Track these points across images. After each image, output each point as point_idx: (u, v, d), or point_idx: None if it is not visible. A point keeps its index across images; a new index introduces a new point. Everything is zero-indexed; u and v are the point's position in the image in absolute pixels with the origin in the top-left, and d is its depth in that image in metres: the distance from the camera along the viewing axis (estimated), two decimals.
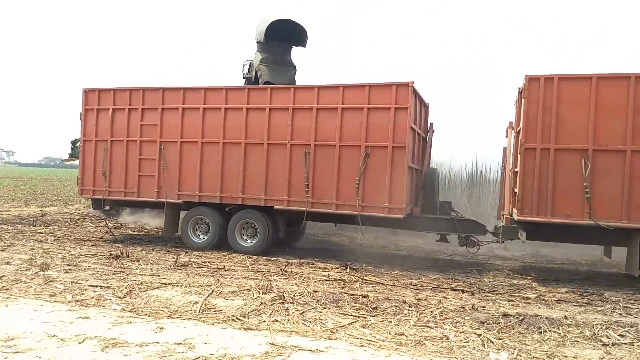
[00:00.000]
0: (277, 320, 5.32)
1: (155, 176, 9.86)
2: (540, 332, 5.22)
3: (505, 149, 9.49)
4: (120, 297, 6.04)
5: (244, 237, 9.53)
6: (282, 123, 9.10)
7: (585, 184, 7.36)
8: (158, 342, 4.49)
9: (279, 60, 11.21)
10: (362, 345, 4.67)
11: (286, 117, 9.06)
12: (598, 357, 4.57)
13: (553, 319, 5.68)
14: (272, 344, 4.57)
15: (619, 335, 5.20)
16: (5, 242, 9.63)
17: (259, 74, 10.93)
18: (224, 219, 9.58)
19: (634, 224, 7.26)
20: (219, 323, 5.20)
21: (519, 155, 7.90)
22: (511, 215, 8.09)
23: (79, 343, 4.41)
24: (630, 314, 6.11)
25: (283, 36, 11.12)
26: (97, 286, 6.51)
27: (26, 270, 7.28)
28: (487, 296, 6.83)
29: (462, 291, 7.04)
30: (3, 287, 6.33)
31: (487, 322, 5.53)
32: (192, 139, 9.66)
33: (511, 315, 5.78)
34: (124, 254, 8.64)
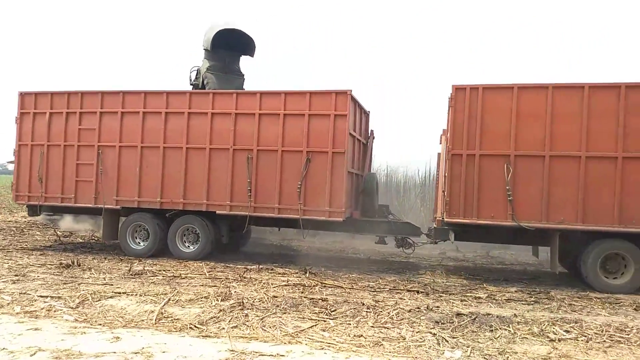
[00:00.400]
0: (237, 327, 5.30)
1: (93, 181, 9.69)
2: (492, 330, 5.44)
3: (439, 154, 9.92)
4: (72, 308, 5.84)
5: (185, 243, 9.47)
6: (224, 128, 9.13)
7: (507, 187, 7.79)
8: (114, 352, 4.38)
9: (226, 68, 11.27)
10: (322, 348, 4.72)
11: (229, 122, 9.10)
12: (546, 352, 4.81)
13: (503, 317, 5.94)
14: (232, 350, 4.55)
15: (565, 331, 5.48)
16: None
17: (205, 82, 10.98)
18: (165, 225, 9.49)
19: (552, 224, 7.75)
20: (176, 331, 5.12)
21: (446, 161, 8.29)
22: (442, 218, 8.47)
23: (31, 355, 4.24)
24: (574, 311, 6.46)
25: (231, 45, 11.18)
26: (47, 297, 6.27)
27: None
28: (441, 296, 7.05)
29: (417, 292, 7.23)
30: None
31: (442, 321, 5.71)
32: (131, 143, 9.54)
33: (464, 315, 5.99)
34: (75, 263, 8.35)
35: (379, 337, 5.13)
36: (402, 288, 7.48)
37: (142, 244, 9.63)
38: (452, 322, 5.68)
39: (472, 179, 7.98)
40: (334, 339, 5.00)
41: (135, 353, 4.39)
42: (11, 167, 22.30)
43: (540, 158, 7.79)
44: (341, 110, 8.65)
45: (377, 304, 6.39)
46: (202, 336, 4.97)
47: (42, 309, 5.77)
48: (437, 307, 6.39)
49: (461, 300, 6.86)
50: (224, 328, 5.25)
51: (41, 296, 6.29)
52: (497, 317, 5.92)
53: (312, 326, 5.41)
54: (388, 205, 10.41)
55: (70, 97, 9.87)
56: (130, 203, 9.54)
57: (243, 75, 11.66)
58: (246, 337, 4.96)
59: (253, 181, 8.93)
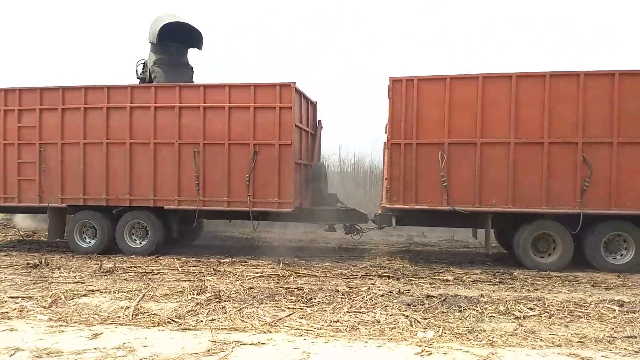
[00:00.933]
0: (215, 319, 5.37)
1: (37, 180, 9.44)
2: (461, 310, 5.71)
3: (384, 144, 10.17)
4: (45, 307, 5.77)
5: (134, 239, 9.46)
6: (169, 122, 9.05)
7: (442, 174, 8.16)
8: (96, 348, 4.39)
9: (174, 61, 11.08)
10: (301, 335, 4.87)
11: (173, 116, 9.03)
12: (512, 329, 5.11)
13: (471, 297, 6.23)
14: (213, 341, 4.63)
15: (529, 308, 5.81)
16: None
17: (153, 76, 10.77)
18: (112, 222, 9.41)
19: (484, 207, 8.18)
20: (154, 326, 5.15)
21: (386, 150, 8.57)
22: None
23: (10, 356, 4.20)
24: (537, 290, 6.83)
25: (178, 38, 11.01)
26: (18, 297, 6.16)
27: None
28: (411, 280, 7.31)
29: (389, 277, 7.47)
30: None
31: (413, 304, 5.95)
32: (73, 140, 9.33)
33: (434, 297, 6.26)
34: (43, 262, 8.19)
35: (355, 321, 5.31)
36: (373, 274, 7.69)
37: (89, 241, 9.54)
38: (423, 304, 5.93)
39: (410, 166, 8.31)
40: (312, 326, 5.15)
41: (117, 348, 4.42)
42: None
43: (472, 145, 8.14)
44: (286, 103, 8.73)
45: (351, 290, 6.57)
46: (182, 329, 5.03)
47: (13, 309, 5.68)
48: (408, 290, 6.63)
49: (430, 283, 7.14)
50: (202, 321, 5.32)
51: (11, 297, 6.17)
52: (465, 297, 6.21)
53: (289, 315, 5.53)
54: (336, 194, 10.71)
55: (8, 94, 9.53)
56: (76, 201, 9.39)
57: (192, 67, 11.54)
58: (226, 329, 5.05)
59: (201, 175, 8.95)
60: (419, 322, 5.28)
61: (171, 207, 9.10)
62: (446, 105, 8.18)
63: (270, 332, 4.94)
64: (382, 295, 6.32)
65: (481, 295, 6.39)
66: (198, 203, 8.94)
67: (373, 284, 7.07)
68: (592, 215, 7.91)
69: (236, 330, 5.00)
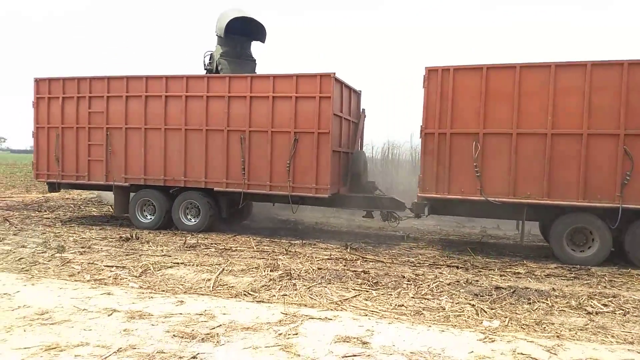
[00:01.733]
0: (286, 295, 5.71)
1: (104, 161, 10.44)
2: (530, 303, 5.64)
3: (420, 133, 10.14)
4: (136, 276, 6.41)
5: (188, 217, 10.19)
6: (219, 110, 9.69)
7: (475, 164, 8.08)
8: (181, 314, 4.88)
9: (238, 53, 11.78)
10: (366, 315, 5.07)
11: (223, 105, 9.65)
12: (582, 324, 4.99)
13: (542, 291, 6.12)
14: (284, 313, 4.97)
15: (603, 304, 5.63)
16: (16, 227, 9.95)
17: (219, 68, 11.50)
18: (169, 200, 10.20)
19: (518, 199, 8.03)
20: (232, 297, 5.58)
21: (420, 140, 8.69)
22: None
23: (108, 315, 4.79)
24: (614, 287, 6.56)
25: (242, 32, 11.66)
26: (112, 266, 6.87)
27: (42, 252, 7.63)
28: (480, 272, 7.27)
29: (457, 267, 7.47)
30: (23, 268, 6.68)
31: (481, 294, 5.96)
32: (136, 125, 10.20)
33: (503, 288, 6.21)
34: (133, 236, 9.00)
35: (420, 307, 5.43)
36: (441, 263, 7.72)
37: (149, 217, 10.42)
38: (491, 295, 5.91)
39: (444, 156, 8.34)
40: (377, 308, 5.34)
41: (199, 314, 4.88)
42: None
43: (507, 136, 8.03)
44: (326, 92, 9.05)
45: (417, 277, 6.68)
46: (256, 301, 5.42)
47: (109, 277, 6.35)
48: (477, 281, 6.62)
49: (500, 276, 7.06)
50: (274, 295, 5.68)
51: (107, 266, 6.90)
52: (536, 290, 6.12)
53: (355, 296, 5.76)
54: (374, 182, 10.98)
55: (80, 82, 10.60)
56: (137, 180, 10.29)
57: (254, 59, 12.22)
58: (295, 304, 5.37)
59: (246, 160, 9.53)
60: (485, 312, 5.30)
61: (220, 189, 9.81)
62: (482, 94, 8.11)
63: (337, 310, 5.20)
64: (448, 284, 6.37)
65: (553, 289, 6.25)
66: (243, 186, 9.56)
67: (440, 272, 7.11)
68: (633, 210, 7.56)
69: (305, 306, 5.31)
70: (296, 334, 4.42)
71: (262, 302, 5.41)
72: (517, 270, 7.37)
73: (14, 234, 9.18)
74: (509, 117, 8.01)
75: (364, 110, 11.06)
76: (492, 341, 4.39)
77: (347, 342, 4.28)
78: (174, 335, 4.30)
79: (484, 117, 8.11)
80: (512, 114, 7.99)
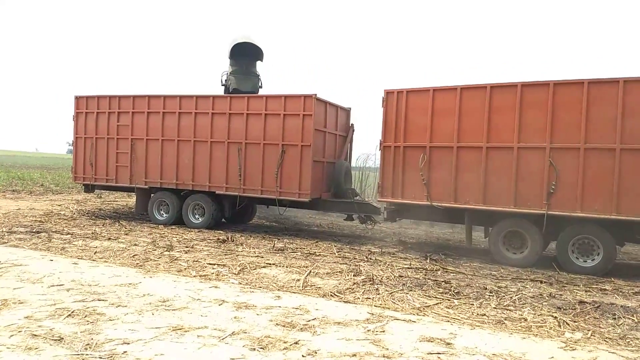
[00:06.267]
0: (369, 298, 6.14)
1: (129, 166, 12.24)
2: (615, 318, 5.66)
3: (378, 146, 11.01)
4: (235, 274, 7.13)
5: (195, 216, 11.79)
6: (221, 125, 11.29)
7: (421, 173, 9.26)
8: (279, 307, 5.48)
9: (245, 71, 13.78)
10: (448, 321, 5.38)
11: (224, 121, 11.25)
12: None
13: (628, 307, 6.08)
14: (371, 313, 5.41)
15: None
16: (126, 228, 11.21)
17: (229, 83, 13.59)
18: (180, 201, 11.85)
19: (459, 204, 9.03)
20: (320, 297, 6.10)
21: (379, 152, 10.00)
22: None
23: (219, 305, 5.49)
24: None
25: (247, 53, 13.62)
26: (214, 264, 7.68)
27: (153, 250, 8.63)
28: (565, 286, 7.26)
29: (541, 282, 7.51)
30: (138, 263, 7.64)
31: (564, 307, 6.03)
32: (154, 137, 11.96)
33: (587, 303, 6.23)
34: (229, 239, 9.86)
35: (501, 317, 5.63)
36: (525, 277, 7.79)
37: (164, 215, 12.07)
38: (575, 309, 5.97)
39: (399, 166, 9.55)
40: (458, 315, 5.61)
41: (295, 308, 5.45)
42: None
43: (449, 148, 9.11)
44: (308, 110, 10.43)
45: (499, 290, 6.84)
46: (343, 301, 5.90)
47: (212, 273, 7.13)
48: (560, 294, 6.67)
49: (585, 291, 7.03)
50: (359, 297, 6.13)
51: (209, 264, 7.71)
52: (622, 307, 6.08)
53: (437, 303, 6.06)
54: (355, 188, 12.59)
55: (111, 99, 12.42)
56: (155, 184, 12.04)
57: (258, 75, 14.02)
58: (379, 307, 5.78)
59: (242, 168, 11.02)
60: (568, 324, 5.40)
61: (221, 192, 11.34)
62: (429, 113, 9.25)
63: (419, 315, 5.54)
64: (531, 297, 6.48)
65: None
66: (239, 190, 11.11)
67: (523, 286, 7.19)
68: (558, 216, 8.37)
69: (388, 309, 5.71)
70: (383, 331, 4.84)
71: (349, 302, 5.89)
72: (603, 287, 7.28)
73: (125, 234, 10.36)
74: (451, 132, 9.08)
75: (352, 125, 12.52)
76: (573, 349, 4.54)
77: (431, 341, 4.63)
78: (276, 324, 4.90)
79: (430, 132, 9.26)
80: (454, 129, 9.04)
